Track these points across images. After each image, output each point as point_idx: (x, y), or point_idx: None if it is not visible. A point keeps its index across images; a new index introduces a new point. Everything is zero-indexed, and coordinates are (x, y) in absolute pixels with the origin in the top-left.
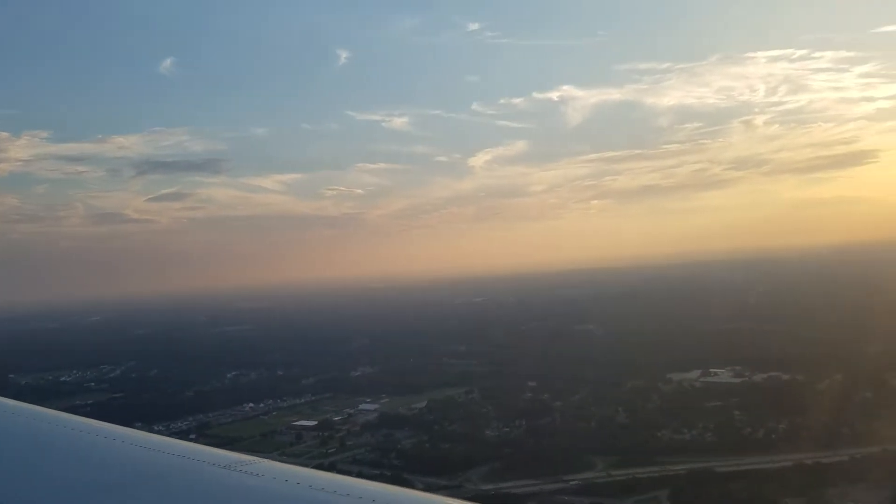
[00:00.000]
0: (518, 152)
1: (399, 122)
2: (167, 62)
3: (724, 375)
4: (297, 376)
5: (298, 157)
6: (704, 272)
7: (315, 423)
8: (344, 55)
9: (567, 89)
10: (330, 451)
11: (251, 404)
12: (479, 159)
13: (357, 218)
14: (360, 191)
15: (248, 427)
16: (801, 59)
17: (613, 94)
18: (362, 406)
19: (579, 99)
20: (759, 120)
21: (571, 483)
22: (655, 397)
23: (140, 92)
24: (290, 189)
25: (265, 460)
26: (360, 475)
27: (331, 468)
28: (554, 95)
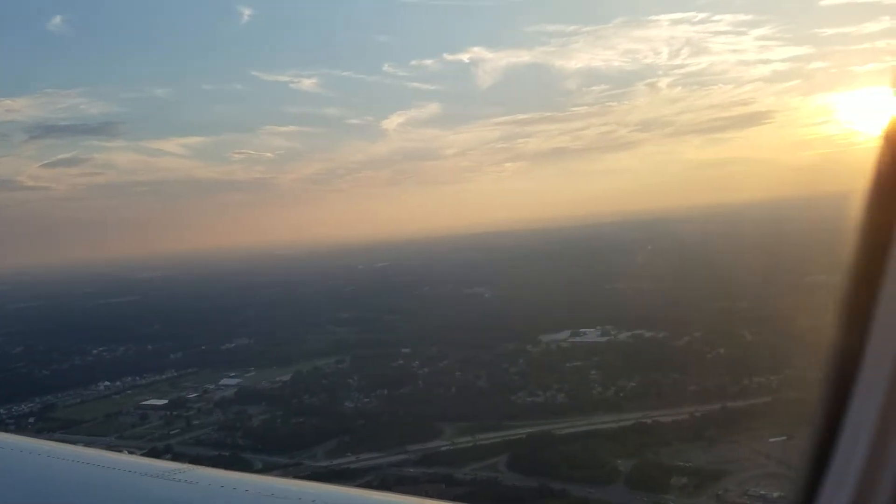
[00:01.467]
0: (431, 115)
1: (308, 83)
2: (56, 20)
3: (591, 335)
4: (167, 350)
5: (202, 119)
6: (607, 233)
7: (165, 401)
8: (247, 13)
9: (477, 51)
10: (173, 431)
11: (107, 383)
12: (392, 122)
13: (268, 182)
14: (269, 154)
15: (94, 408)
16: (702, 21)
17: (523, 57)
18: (223, 381)
19: (490, 61)
20: (663, 82)
21: (413, 454)
22: (521, 360)
23: (27, 52)
24: (194, 153)
25: (198, 468)
26: (197, 457)
27: (167, 451)
28: (465, 57)
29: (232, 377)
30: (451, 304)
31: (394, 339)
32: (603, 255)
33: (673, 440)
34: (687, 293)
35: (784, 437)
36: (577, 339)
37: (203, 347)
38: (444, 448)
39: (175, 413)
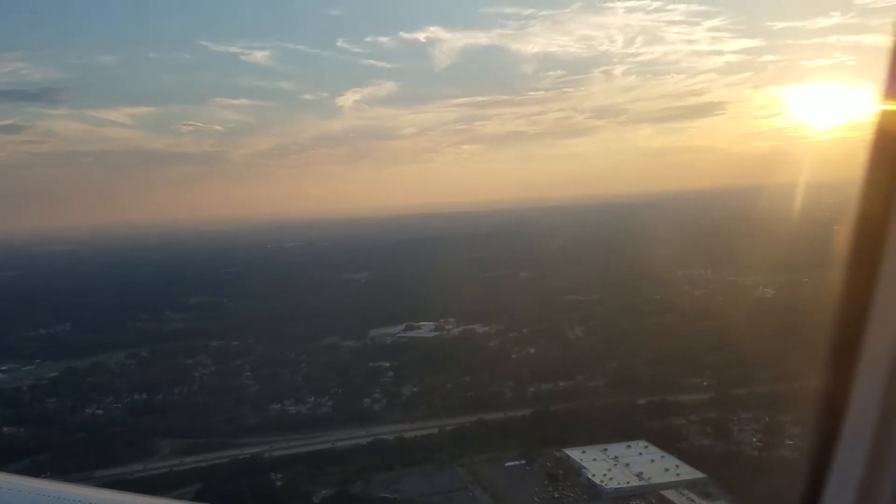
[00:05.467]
0: (387, 93)
1: (260, 55)
2: None
3: (425, 329)
4: None
5: (148, 89)
6: (540, 217)
7: None
8: None
9: (434, 31)
10: None
11: None
12: (348, 99)
13: (218, 156)
14: (219, 127)
15: None
16: (657, 10)
17: (480, 38)
18: None
19: (447, 41)
20: (618, 70)
21: (95, 481)
22: (328, 358)
23: None
24: (141, 123)
25: None
26: None
27: None
28: (421, 36)
29: (2, 370)
30: (318, 289)
31: (216, 330)
32: (520, 240)
33: (402, 462)
34: (554, 283)
35: (522, 462)
36: (409, 333)
37: (16, 333)
38: (136, 474)
39: None
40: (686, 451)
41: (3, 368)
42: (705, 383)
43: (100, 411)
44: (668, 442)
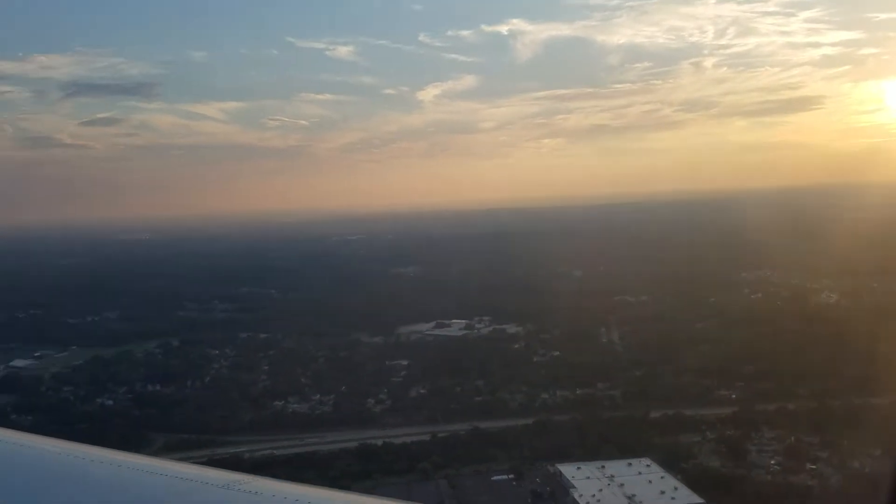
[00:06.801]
0: (468, 87)
1: (344, 51)
2: None
3: (455, 327)
4: (31, 320)
5: (238, 84)
6: (616, 213)
7: None
8: None
9: (517, 23)
10: None
11: None
12: (428, 93)
13: (303, 151)
14: (304, 122)
15: None
16: (749, 1)
17: (563, 30)
18: (14, 361)
19: (529, 34)
20: (709, 62)
21: None
22: (347, 355)
23: (61, 9)
24: (232, 118)
25: (260, 478)
26: None
27: None
28: (503, 29)
29: (35, 357)
30: (363, 283)
31: (250, 322)
32: (588, 237)
33: (383, 470)
34: (608, 283)
35: (510, 476)
36: (437, 331)
37: (63, 319)
38: None
39: None
40: (691, 473)
41: (37, 355)
42: (734, 396)
43: (109, 402)
44: (674, 461)
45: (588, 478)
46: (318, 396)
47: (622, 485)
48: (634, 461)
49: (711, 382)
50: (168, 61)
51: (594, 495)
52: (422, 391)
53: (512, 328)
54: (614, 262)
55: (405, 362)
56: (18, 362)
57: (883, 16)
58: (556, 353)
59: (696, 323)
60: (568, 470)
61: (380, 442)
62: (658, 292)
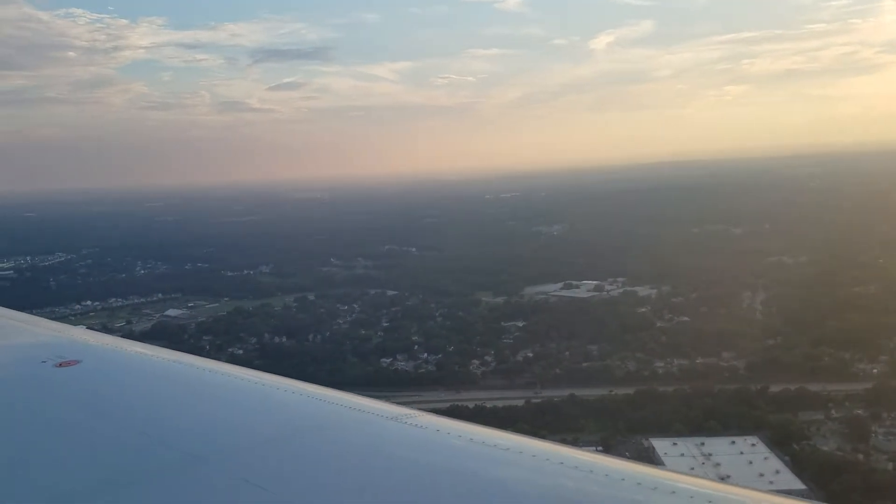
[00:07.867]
0: (643, 33)
1: (512, 2)
2: None
3: (583, 289)
4: (195, 272)
5: (408, 43)
6: (799, 166)
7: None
8: None
9: None
10: None
11: (87, 302)
12: (601, 41)
13: (470, 108)
14: (471, 78)
15: None
16: None
17: None
18: (169, 311)
19: None
20: None
21: None
22: (464, 314)
23: None
24: (402, 78)
25: (426, 413)
26: None
27: None
28: None
29: (189, 307)
30: (505, 241)
31: (384, 278)
32: (759, 193)
33: None
34: (767, 242)
35: (598, 448)
36: (564, 292)
37: (223, 272)
38: None
39: None
40: (801, 455)
41: (190, 305)
42: (875, 370)
43: (239, 351)
44: (786, 441)
45: (682, 455)
46: (425, 355)
47: (718, 464)
48: (739, 439)
49: (851, 355)
50: (343, 24)
51: None
52: (529, 354)
53: (644, 290)
54: (783, 219)
55: (520, 324)
56: (172, 311)
57: None
58: (685, 318)
59: (852, 288)
60: (661, 445)
61: (471, 405)
62: (819, 254)
